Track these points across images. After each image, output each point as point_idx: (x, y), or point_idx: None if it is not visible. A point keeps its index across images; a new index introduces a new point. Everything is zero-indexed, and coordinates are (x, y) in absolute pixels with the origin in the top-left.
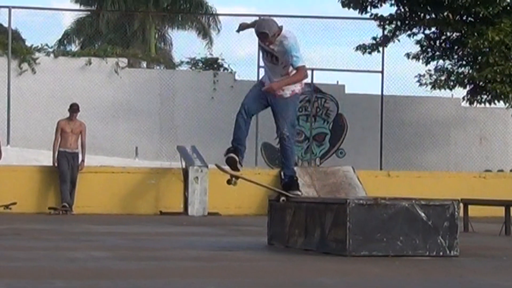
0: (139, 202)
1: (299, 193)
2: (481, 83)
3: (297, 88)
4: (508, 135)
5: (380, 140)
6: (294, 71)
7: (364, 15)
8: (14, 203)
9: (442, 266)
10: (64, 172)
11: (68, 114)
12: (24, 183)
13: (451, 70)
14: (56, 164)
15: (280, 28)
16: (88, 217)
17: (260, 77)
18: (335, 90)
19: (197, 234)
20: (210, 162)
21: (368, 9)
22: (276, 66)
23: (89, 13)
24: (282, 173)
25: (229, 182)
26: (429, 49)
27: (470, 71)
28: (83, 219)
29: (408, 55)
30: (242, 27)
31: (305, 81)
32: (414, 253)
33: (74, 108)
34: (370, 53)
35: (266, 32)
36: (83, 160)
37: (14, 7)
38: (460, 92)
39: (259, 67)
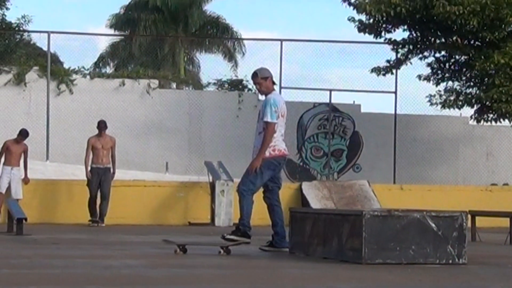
0: (169, 214)
1: (235, 238)
2: (487, 102)
3: (268, 152)
4: None
5: (393, 156)
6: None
7: (378, 40)
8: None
9: (452, 273)
10: (92, 190)
11: (97, 131)
12: (62, 196)
13: (459, 90)
14: (88, 179)
15: (273, 82)
16: (121, 227)
17: (283, 97)
18: (352, 109)
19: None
20: (235, 176)
21: (383, 34)
22: (258, 123)
23: (122, 37)
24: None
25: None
26: (439, 71)
27: (478, 92)
28: (117, 229)
29: (419, 76)
30: None
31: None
32: (425, 261)
33: (101, 126)
34: (384, 75)
35: (257, 72)
36: (114, 172)
37: (53, 32)
38: (468, 111)
39: (281, 87)
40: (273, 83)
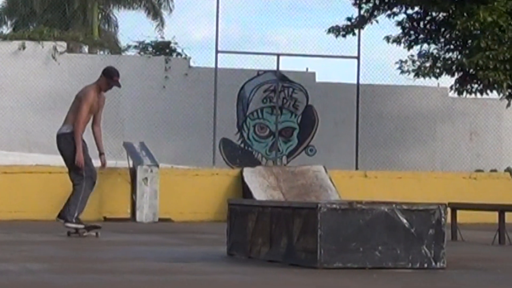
0: None
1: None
2: (471, 70)
3: None
4: (502, 130)
5: (355, 135)
6: None
7: None
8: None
9: (427, 279)
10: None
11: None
12: None
13: (437, 55)
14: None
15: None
16: (21, 223)
17: (219, 63)
18: (304, 78)
19: (146, 243)
20: (162, 161)
21: None
22: None
23: None
24: None
25: None
26: (411, 32)
27: (459, 57)
28: (15, 226)
29: (387, 38)
30: None
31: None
32: (395, 265)
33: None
34: (344, 36)
35: None
36: None
37: None
38: (447, 80)
39: (217, 51)
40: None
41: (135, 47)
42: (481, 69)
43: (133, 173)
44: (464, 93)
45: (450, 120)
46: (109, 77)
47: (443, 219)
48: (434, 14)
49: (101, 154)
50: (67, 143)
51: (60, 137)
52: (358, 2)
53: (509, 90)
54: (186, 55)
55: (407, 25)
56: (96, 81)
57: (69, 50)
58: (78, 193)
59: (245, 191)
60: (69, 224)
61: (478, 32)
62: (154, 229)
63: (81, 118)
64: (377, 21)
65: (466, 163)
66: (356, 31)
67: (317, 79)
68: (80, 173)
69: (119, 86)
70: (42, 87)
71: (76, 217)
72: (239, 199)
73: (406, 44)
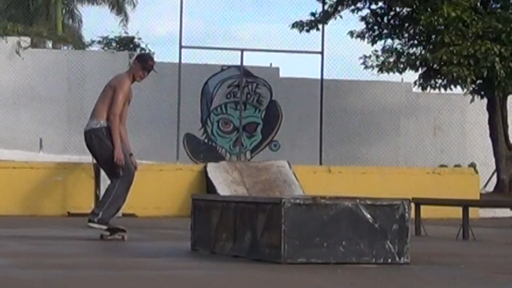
0: (44, 202)
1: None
2: (435, 65)
3: None
4: (466, 125)
5: (319, 130)
6: None
7: None
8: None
9: (391, 275)
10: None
11: None
12: None
13: (400, 50)
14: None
15: None
16: None
17: (183, 58)
18: (268, 73)
19: (110, 238)
20: None
21: None
22: None
23: None
24: None
25: None
26: (375, 27)
27: (423, 52)
28: None
29: (351, 33)
30: None
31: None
32: (359, 260)
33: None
34: (308, 31)
35: None
36: None
37: None
38: (411, 75)
39: (181, 47)
40: None
41: (99, 42)
42: (445, 64)
43: (97, 168)
44: (428, 88)
45: (414, 115)
46: (144, 61)
47: (407, 214)
48: (398, 9)
49: (130, 155)
50: (98, 140)
51: (89, 134)
52: None
53: (473, 86)
54: (150, 50)
55: (371, 20)
56: (128, 70)
57: (33, 45)
58: (110, 193)
59: (209, 186)
60: (91, 224)
61: (442, 27)
62: (118, 224)
63: (117, 110)
64: (341, 16)
65: (430, 158)
66: (320, 26)
67: (281, 74)
68: (117, 172)
69: (155, 71)
70: (6, 82)
71: (100, 218)
72: (203, 194)
73: (370, 39)
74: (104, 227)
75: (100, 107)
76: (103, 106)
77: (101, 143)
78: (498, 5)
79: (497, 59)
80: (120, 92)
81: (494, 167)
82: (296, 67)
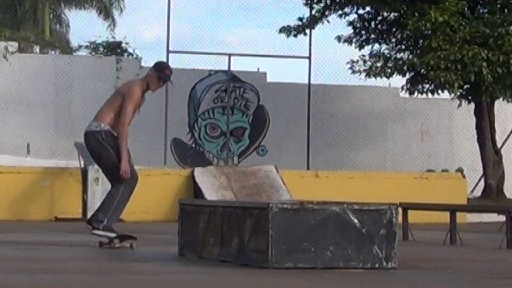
0: (31, 207)
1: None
2: (422, 70)
3: None
4: (453, 130)
5: (307, 135)
6: None
7: None
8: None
9: (378, 280)
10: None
11: None
12: None
13: (388, 55)
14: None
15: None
16: None
17: (170, 63)
18: (256, 78)
19: (97, 243)
20: None
21: None
22: None
23: None
24: None
25: None
26: (363, 32)
27: (410, 57)
28: None
29: (339, 38)
30: None
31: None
32: (346, 265)
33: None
34: (295, 36)
35: None
36: None
37: None
38: (398, 80)
39: (168, 51)
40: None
41: (87, 47)
42: (432, 69)
43: (84, 173)
44: (416, 93)
45: (401, 120)
46: (160, 71)
47: (394, 219)
48: (385, 14)
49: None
50: (97, 143)
51: (89, 135)
52: (309, 2)
53: (460, 90)
54: (137, 55)
55: (358, 25)
56: (144, 77)
57: (20, 50)
58: (113, 198)
59: (196, 191)
60: (96, 232)
61: (430, 32)
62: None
63: (126, 120)
64: (328, 21)
65: (418, 163)
66: (307, 31)
67: (269, 79)
68: (120, 177)
69: (171, 82)
70: None
71: (106, 225)
72: (190, 199)
73: (357, 44)
74: (112, 234)
75: (105, 111)
76: (108, 111)
77: (100, 147)
78: (486, 10)
79: (484, 64)
80: (130, 101)
81: (481, 172)
82: (284, 72)
